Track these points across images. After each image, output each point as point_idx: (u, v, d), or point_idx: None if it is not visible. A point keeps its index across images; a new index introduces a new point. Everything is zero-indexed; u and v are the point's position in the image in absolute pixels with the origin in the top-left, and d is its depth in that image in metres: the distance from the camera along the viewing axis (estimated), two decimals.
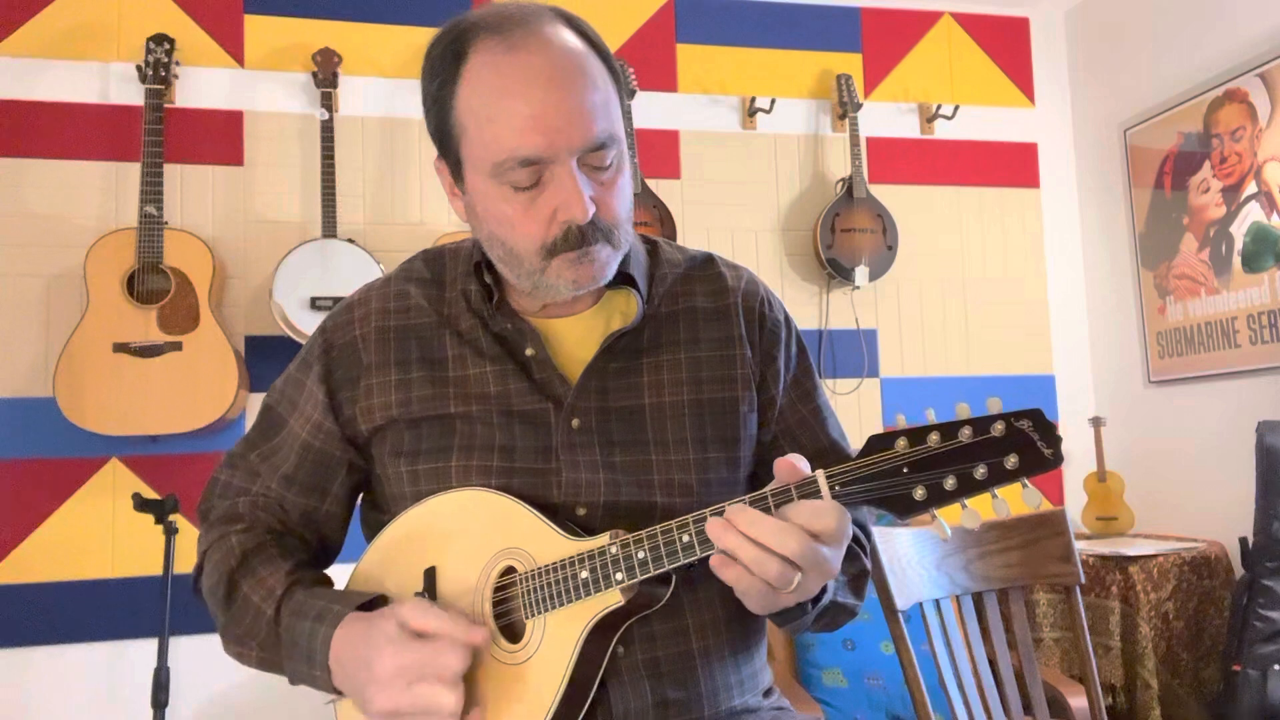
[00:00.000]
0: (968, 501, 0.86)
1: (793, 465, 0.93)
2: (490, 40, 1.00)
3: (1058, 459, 0.83)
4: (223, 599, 1.12)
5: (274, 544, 1.15)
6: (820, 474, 0.91)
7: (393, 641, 0.96)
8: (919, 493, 0.86)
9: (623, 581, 0.96)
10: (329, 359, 1.16)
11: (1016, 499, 0.84)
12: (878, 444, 0.89)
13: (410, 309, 1.16)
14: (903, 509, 0.87)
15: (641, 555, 0.95)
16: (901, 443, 0.87)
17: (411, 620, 0.96)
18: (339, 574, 1.17)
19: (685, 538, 0.94)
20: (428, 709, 0.94)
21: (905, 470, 0.87)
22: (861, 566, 1.18)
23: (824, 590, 1.05)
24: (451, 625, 0.95)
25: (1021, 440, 0.84)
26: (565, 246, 1.02)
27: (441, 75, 1.03)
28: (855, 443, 1.19)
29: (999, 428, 0.84)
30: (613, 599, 0.97)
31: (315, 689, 1.06)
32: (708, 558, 0.94)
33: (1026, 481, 0.84)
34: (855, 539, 1.19)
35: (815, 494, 0.90)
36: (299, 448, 1.16)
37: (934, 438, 0.86)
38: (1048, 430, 0.83)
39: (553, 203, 1.01)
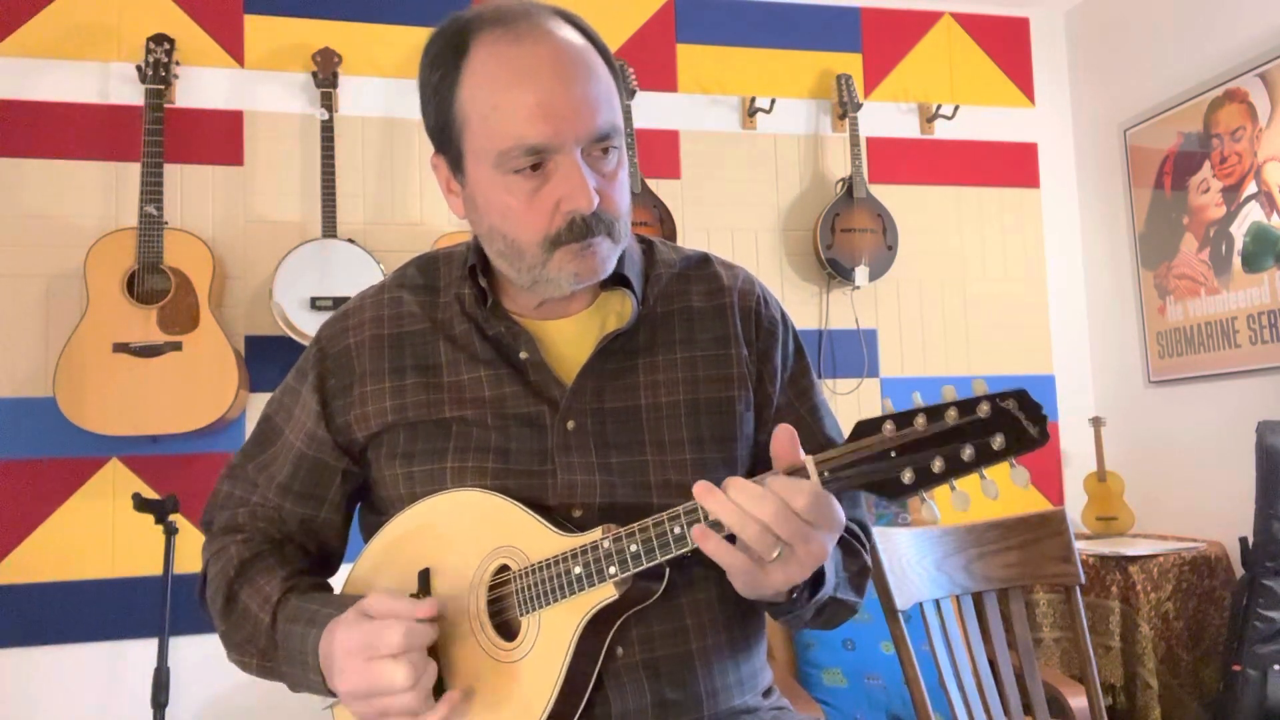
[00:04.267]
0: (956, 483, 0.86)
1: (790, 435, 0.93)
2: (494, 32, 1.01)
3: (1044, 437, 0.82)
4: (222, 608, 1.13)
5: (272, 553, 1.15)
6: (809, 459, 0.91)
7: (349, 625, 0.97)
8: (907, 475, 0.86)
9: (616, 575, 0.96)
10: (323, 367, 1.16)
11: (1006, 480, 0.84)
12: (865, 429, 0.89)
13: (404, 316, 1.16)
14: (892, 492, 0.87)
15: (634, 548, 0.95)
16: (889, 426, 0.87)
17: (367, 605, 0.98)
18: (339, 576, 1.17)
19: (676, 529, 0.94)
20: (379, 686, 0.94)
21: (893, 454, 0.87)
22: (862, 563, 1.18)
23: (823, 584, 1.05)
24: (395, 604, 0.96)
25: (1007, 420, 0.83)
26: (569, 237, 1.02)
27: (443, 68, 1.04)
28: None
29: (984, 408, 0.84)
30: (606, 593, 0.97)
31: (314, 694, 1.06)
32: (699, 550, 0.93)
33: (1014, 461, 0.84)
34: (855, 536, 1.19)
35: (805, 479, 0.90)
36: (294, 457, 1.17)
37: (920, 420, 0.86)
38: (1033, 409, 0.83)
39: (557, 193, 1.01)
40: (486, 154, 1.02)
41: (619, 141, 1.04)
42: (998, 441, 0.83)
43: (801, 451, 0.93)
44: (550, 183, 1.01)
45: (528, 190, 1.01)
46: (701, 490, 0.91)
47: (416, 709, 0.95)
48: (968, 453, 0.84)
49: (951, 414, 0.85)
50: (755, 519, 0.89)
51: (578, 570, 0.97)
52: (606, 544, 0.97)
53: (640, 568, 0.96)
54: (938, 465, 0.85)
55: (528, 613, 1.01)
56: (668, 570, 1.01)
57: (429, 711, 0.96)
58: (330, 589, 1.15)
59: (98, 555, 2.75)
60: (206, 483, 1.25)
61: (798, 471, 0.91)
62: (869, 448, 0.88)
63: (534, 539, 1.02)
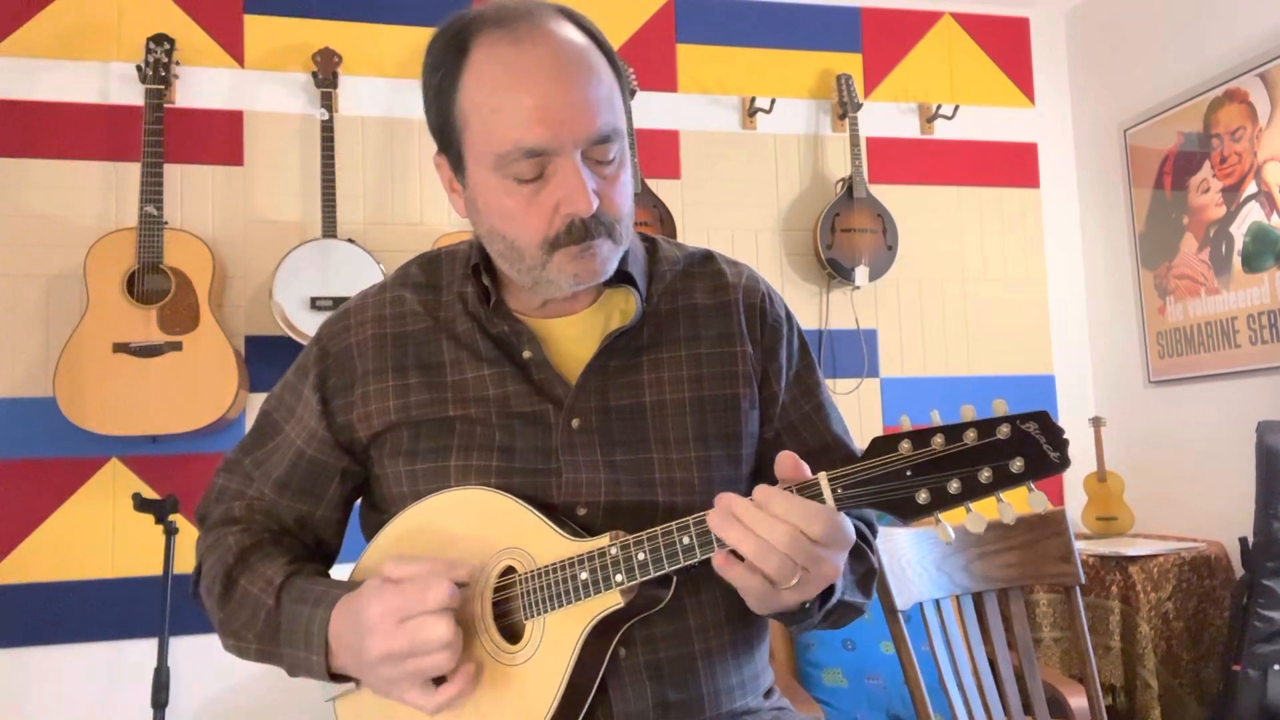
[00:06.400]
0: (972, 505, 0.85)
1: (795, 461, 0.92)
2: (494, 34, 1.00)
3: (1064, 462, 0.81)
4: (220, 595, 1.13)
5: (271, 541, 1.15)
6: (823, 476, 0.90)
7: (375, 591, 0.98)
8: (922, 496, 0.85)
9: (622, 583, 0.96)
10: (324, 366, 1.16)
11: (1022, 502, 0.83)
12: (881, 446, 0.88)
13: (406, 315, 1.16)
14: (906, 512, 0.86)
15: (641, 557, 0.95)
16: (905, 445, 0.86)
17: (390, 571, 0.98)
18: (339, 574, 1.16)
19: (685, 539, 0.93)
20: (422, 642, 0.94)
21: (909, 473, 0.86)
22: (869, 565, 1.18)
23: (832, 590, 1.05)
24: (429, 565, 0.97)
25: (1027, 443, 0.82)
26: (568, 240, 1.02)
27: (444, 69, 1.03)
28: (856, 443, 1.19)
29: (1004, 430, 0.83)
30: (612, 601, 0.97)
31: (313, 677, 1.06)
32: (708, 559, 0.93)
33: (1032, 485, 0.83)
34: (862, 536, 1.18)
35: (817, 496, 0.90)
36: (292, 454, 1.16)
37: (938, 440, 0.85)
38: (1054, 433, 0.82)
39: (556, 195, 1.00)
40: (485, 156, 1.01)
41: (620, 142, 1.03)
42: (1017, 465, 0.82)
43: (808, 469, 0.92)
44: (549, 185, 1.00)
45: (527, 193, 1.01)
46: (718, 522, 0.91)
47: (448, 670, 0.96)
48: (985, 475, 0.83)
49: (970, 435, 0.84)
50: (775, 550, 0.88)
51: (584, 576, 0.97)
52: (614, 551, 0.96)
53: (647, 577, 0.95)
54: (954, 487, 0.84)
55: (532, 616, 1.01)
56: (674, 579, 1.01)
57: (460, 672, 0.97)
58: (329, 577, 1.15)
59: (98, 555, 2.75)
60: (206, 483, 1.25)
61: (809, 486, 0.91)
62: (884, 466, 0.87)
63: (541, 541, 1.02)
